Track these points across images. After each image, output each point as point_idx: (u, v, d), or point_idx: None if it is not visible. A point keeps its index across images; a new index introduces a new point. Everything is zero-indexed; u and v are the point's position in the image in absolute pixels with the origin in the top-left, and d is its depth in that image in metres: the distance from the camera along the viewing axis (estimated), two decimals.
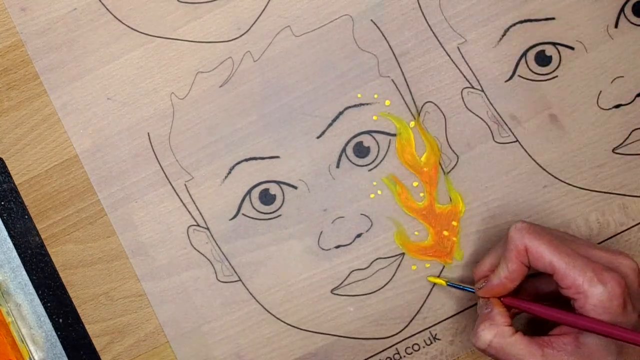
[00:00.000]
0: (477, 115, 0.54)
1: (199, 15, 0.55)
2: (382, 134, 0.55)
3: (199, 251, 0.55)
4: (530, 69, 0.54)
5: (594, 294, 0.45)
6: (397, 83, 0.55)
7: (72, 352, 0.56)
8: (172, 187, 0.55)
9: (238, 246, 0.55)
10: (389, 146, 0.55)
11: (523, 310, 0.49)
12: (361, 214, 0.55)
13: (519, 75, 0.54)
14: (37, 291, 0.55)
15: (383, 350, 0.55)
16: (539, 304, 0.49)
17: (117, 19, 0.55)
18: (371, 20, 0.55)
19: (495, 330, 0.48)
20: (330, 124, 0.55)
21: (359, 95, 0.55)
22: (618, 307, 0.45)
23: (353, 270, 0.55)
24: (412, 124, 0.55)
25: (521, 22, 0.54)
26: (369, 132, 0.55)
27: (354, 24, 0.55)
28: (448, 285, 0.54)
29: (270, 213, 0.55)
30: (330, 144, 0.55)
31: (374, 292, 0.55)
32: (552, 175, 0.54)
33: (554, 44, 0.54)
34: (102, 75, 0.55)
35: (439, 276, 0.55)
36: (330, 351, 0.55)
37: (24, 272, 0.55)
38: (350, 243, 0.55)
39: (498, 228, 0.55)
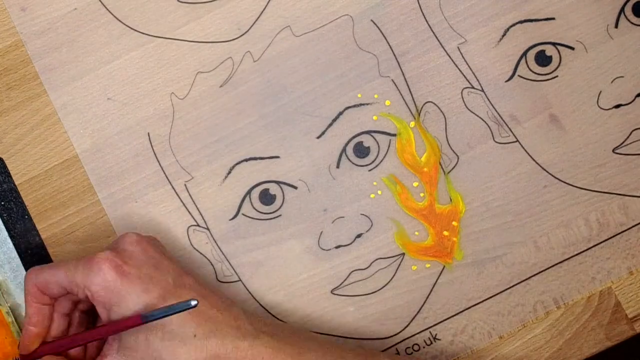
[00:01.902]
0: (477, 115, 0.54)
1: (199, 15, 0.55)
2: (382, 134, 0.55)
3: (199, 251, 0.55)
4: (530, 69, 0.54)
5: (93, 280, 0.46)
6: (397, 83, 0.55)
7: None
8: (172, 187, 0.55)
9: (238, 246, 0.55)
10: (389, 146, 0.55)
11: (67, 348, 0.49)
12: (361, 214, 0.55)
13: (519, 75, 0.54)
14: None
15: (383, 351, 0.55)
16: (75, 335, 0.49)
17: (117, 19, 0.55)
18: (371, 20, 0.55)
19: None
20: (330, 124, 0.55)
21: (359, 95, 0.55)
22: (116, 279, 0.46)
23: (353, 271, 0.55)
24: (412, 124, 0.55)
25: (521, 22, 0.54)
26: (369, 132, 0.55)
27: (354, 24, 0.55)
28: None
29: (270, 213, 0.55)
30: (330, 144, 0.55)
31: (374, 292, 0.55)
32: (552, 175, 0.54)
33: (554, 44, 0.54)
34: (102, 75, 0.55)
35: (439, 275, 0.55)
36: None
37: (24, 272, 0.55)
38: (350, 243, 0.55)
39: (498, 228, 0.55)
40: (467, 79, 0.54)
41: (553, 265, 0.54)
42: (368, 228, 0.55)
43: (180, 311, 0.45)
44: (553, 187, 0.54)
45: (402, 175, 0.55)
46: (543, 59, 0.54)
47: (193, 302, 0.44)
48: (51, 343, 0.49)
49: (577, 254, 0.54)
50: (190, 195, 0.55)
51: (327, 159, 0.55)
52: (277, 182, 0.55)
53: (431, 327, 0.55)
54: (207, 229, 0.55)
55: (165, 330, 0.46)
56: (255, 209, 0.55)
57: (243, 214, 0.55)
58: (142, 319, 0.45)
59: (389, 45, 0.55)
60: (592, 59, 0.54)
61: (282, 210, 0.55)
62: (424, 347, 0.55)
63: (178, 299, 0.46)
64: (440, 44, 0.54)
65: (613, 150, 0.54)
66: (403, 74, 0.55)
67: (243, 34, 0.55)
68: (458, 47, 0.54)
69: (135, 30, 0.55)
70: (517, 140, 0.54)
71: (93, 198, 0.55)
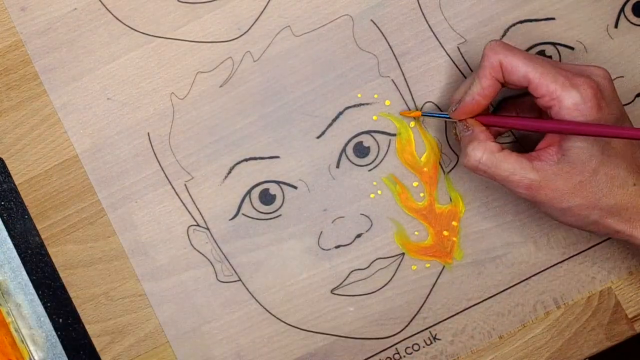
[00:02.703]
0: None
1: (199, 15, 0.55)
2: (382, 134, 0.55)
3: (199, 251, 0.55)
4: None
5: (568, 97, 0.46)
6: (397, 83, 0.55)
7: (72, 352, 0.56)
8: (172, 187, 0.55)
9: (238, 246, 0.55)
10: (389, 146, 0.55)
11: (502, 126, 0.50)
12: (361, 214, 0.55)
13: None
14: (37, 291, 0.55)
15: (383, 350, 0.55)
16: (515, 116, 0.49)
17: (117, 19, 0.55)
18: (371, 20, 0.55)
19: (484, 147, 0.48)
20: (330, 124, 0.55)
21: (359, 95, 0.55)
22: (592, 108, 0.46)
23: (353, 270, 0.55)
24: (412, 124, 0.55)
25: (521, 22, 0.54)
26: (369, 132, 0.55)
27: (354, 24, 0.55)
28: (423, 115, 0.53)
29: (270, 213, 0.55)
30: (330, 144, 0.55)
31: (374, 292, 0.55)
32: None
33: (554, 44, 0.54)
34: (102, 75, 0.55)
35: (439, 275, 0.55)
36: (330, 351, 0.55)
37: (24, 272, 0.55)
38: (350, 243, 0.55)
39: (498, 228, 0.55)
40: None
41: (553, 265, 0.54)
42: (368, 228, 0.55)
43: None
44: None
45: (402, 175, 0.55)
46: None
47: None
48: (487, 115, 0.50)
49: (577, 254, 0.55)
50: (190, 195, 0.55)
51: (327, 159, 0.55)
52: (277, 182, 0.55)
53: (431, 327, 0.55)
54: (207, 229, 0.55)
55: (612, 163, 0.47)
56: (255, 209, 0.55)
57: (243, 214, 0.55)
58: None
59: (389, 45, 0.55)
60: (592, 59, 0.54)
61: (282, 210, 0.55)
62: (424, 347, 0.55)
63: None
64: (440, 44, 0.54)
65: None
66: (403, 74, 0.55)
67: (243, 34, 0.55)
68: (458, 47, 0.54)
69: (135, 30, 0.55)
70: (517, 141, 0.54)
71: (93, 198, 0.55)
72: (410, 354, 0.55)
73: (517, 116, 0.50)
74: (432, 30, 0.54)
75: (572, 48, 0.54)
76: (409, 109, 0.54)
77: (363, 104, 0.55)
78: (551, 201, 0.47)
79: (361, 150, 0.55)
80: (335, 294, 0.55)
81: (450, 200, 0.55)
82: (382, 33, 0.55)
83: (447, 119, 0.52)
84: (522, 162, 0.47)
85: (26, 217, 0.55)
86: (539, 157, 0.48)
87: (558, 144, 0.47)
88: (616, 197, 0.47)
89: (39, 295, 0.55)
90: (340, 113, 0.55)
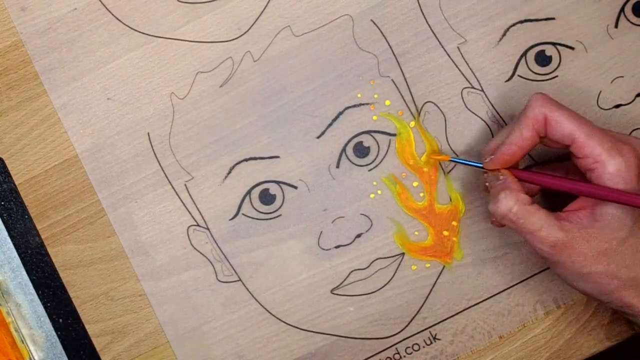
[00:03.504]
0: (477, 115, 0.54)
1: (199, 15, 0.55)
2: (382, 134, 0.55)
3: (199, 251, 0.55)
4: (530, 69, 0.54)
5: (612, 162, 0.46)
6: (397, 83, 0.55)
7: (72, 352, 0.56)
8: (172, 187, 0.55)
9: (238, 246, 0.55)
10: (389, 146, 0.55)
11: (537, 183, 0.49)
12: (361, 214, 0.55)
13: (519, 75, 0.54)
14: (37, 291, 0.55)
15: (383, 350, 0.55)
16: (552, 175, 0.48)
17: (117, 19, 0.55)
18: (371, 20, 0.55)
19: (517, 197, 0.47)
20: (330, 124, 0.55)
21: (359, 95, 0.55)
22: (634, 177, 0.46)
23: (353, 270, 0.55)
24: (412, 124, 0.55)
25: (521, 22, 0.54)
26: (369, 132, 0.55)
27: (354, 24, 0.55)
28: (452, 160, 0.53)
29: (270, 213, 0.55)
30: (330, 144, 0.55)
31: (374, 292, 0.55)
32: None
33: (554, 44, 0.54)
34: (102, 75, 0.55)
35: (439, 275, 0.55)
36: (330, 351, 0.55)
37: (24, 272, 0.55)
38: (350, 243, 0.55)
39: (498, 228, 0.54)
40: (467, 79, 0.54)
41: None
42: (368, 228, 0.55)
43: None
44: None
45: (402, 175, 0.55)
46: (543, 59, 0.54)
47: None
48: (522, 170, 0.49)
49: None
50: (190, 195, 0.55)
51: (327, 159, 0.55)
52: (277, 182, 0.55)
53: (431, 327, 0.55)
54: (207, 229, 0.55)
55: None
56: (255, 209, 0.55)
57: (243, 214, 0.55)
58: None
59: (389, 45, 0.55)
60: (592, 59, 0.54)
61: (282, 210, 0.55)
62: (423, 347, 0.55)
63: None
64: (440, 44, 0.54)
65: None
66: (403, 74, 0.55)
67: (243, 34, 0.55)
68: (458, 47, 0.54)
69: (135, 30, 0.55)
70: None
71: (93, 198, 0.55)
72: (410, 354, 0.55)
73: (552, 174, 0.49)
74: (432, 30, 0.54)
75: (572, 48, 0.54)
76: (411, 112, 0.54)
77: (363, 104, 0.55)
78: (573, 264, 0.47)
79: (361, 150, 0.55)
80: (335, 294, 0.55)
81: (450, 200, 0.55)
82: (382, 33, 0.55)
83: (479, 168, 0.51)
84: (550, 220, 0.47)
85: (26, 217, 0.55)
86: (569, 218, 0.47)
87: (591, 208, 0.47)
88: (637, 270, 0.46)
89: (39, 295, 0.55)
90: (340, 113, 0.55)
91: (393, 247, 0.55)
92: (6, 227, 0.55)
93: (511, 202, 0.47)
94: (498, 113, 0.54)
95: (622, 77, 0.54)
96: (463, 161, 0.52)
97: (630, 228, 0.46)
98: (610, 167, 0.46)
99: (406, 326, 0.55)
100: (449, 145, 0.54)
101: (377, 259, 0.55)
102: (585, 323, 0.55)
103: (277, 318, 0.55)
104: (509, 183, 0.48)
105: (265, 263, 0.55)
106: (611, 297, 0.47)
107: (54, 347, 0.56)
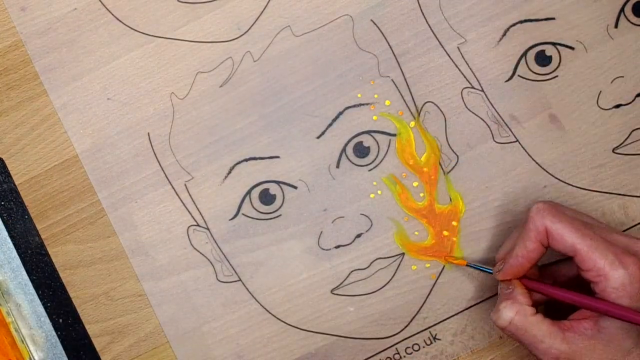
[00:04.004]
0: (477, 115, 0.55)
1: (199, 15, 0.55)
2: (382, 134, 0.55)
3: (199, 251, 0.55)
4: (530, 69, 0.54)
5: (615, 276, 0.45)
6: (397, 83, 0.55)
7: (72, 352, 0.56)
8: (172, 187, 0.55)
9: (238, 246, 0.55)
10: (389, 146, 0.55)
11: (543, 294, 0.49)
12: (361, 214, 0.55)
13: (519, 75, 0.54)
14: (37, 291, 0.55)
15: (383, 350, 0.55)
16: (559, 287, 0.48)
17: (117, 19, 0.55)
18: (371, 20, 0.55)
19: (517, 309, 0.47)
20: (330, 124, 0.55)
21: (359, 95, 0.55)
22: (639, 290, 0.45)
23: (353, 270, 0.55)
24: (412, 124, 0.55)
25: (521, 22, 0.54)
26: (369, 132, 0.55)
27: (354, 24, 0.55)
28: (467, 266, 0.53)
29: (270, 213, 0.55)
30: (330, 144, 0.55)
31: (374, 292, 0.55)
32: (552, 175, 0.54)
33: (554, 44, 0.54)
34: (102, 75, 0.55)
35: (439, 276, 0.55)
36: (330, 351, 0.55)
37: (24, 272, 0.55)
38: (350, 243, 0.55)
39: (498, 228, 0.55)
40: (467, 79, 0.54)
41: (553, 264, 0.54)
42: (368, 228, 0.55)
43: None
44: (553, 187, 0.54)
45: (402, 175, 0.55)
46: (543, 59, 0.54)
47: None
48: (532, 280, 0.49)
49: None
50: (190, 195, 0.55)
51: (327, 159, 0.55)
52: (277, 182, 0.55)
53: (431, 327, 0.55)
54: (207, 229, 0.55)
55: None
56: (255, 209, 0.55)
57: (243, 214, 0.55)
58: None
59: (389, 45, 0.55)
60: (592, 59, 0.54)
61: (282, 210, 0.55)
62: (423, 347, 0.55)
63: None
64: (440, 44, 0.54)
65: (613, 150, 0.54)
66: (403, 74, 0.55)
67: (243, 34, 0.55)
68: (458, 47, 0.54)
69: (135, 30, 0.55)
70: (517, 140, 0.54)
71: (93, 198, 0.55)
72: (410, 354, 0.55)
73: (561, 287, 0.49)
74: (432, 30, 0.54)
75: (572, 48, 0.54)
76: (411, 112, 0.54)
77: (363, 104, 0.55)
78: None
79: (361, 150, 0.55)
80: (335, 294, 0.55)
81: (450, 200, 0.55)
82: (382, 33, 0.55)
83: (490, 274, 0.52)
84: (553, 331, 0.46)
85: (26, 217, 0.55)
86: (572, 328, 0.47)
87: (594, 320, 0.46)
88: None
89: (39, 295, 0.55)
90: (340, 113, 0.55)
91: (393, 247, 0.55)
92: (6, 227, 0.55)
93: (511, 313, 0.47)
94: (498, 113, 0.54)
95: (622, 77, 0.54)
96: (478, 267, 0.53)
97: (636, 339, 0.46)
98: (613, 281, 0.45)
99: (406, 326, 0.55)
100: (448, 145, 0.54)
101: (377, 259, 0.55)
102: None
103: (277, 318, 0.55)
104: (514, 294, 0.48)
105: (265, 263, 0.55)
106: None
107: (54, 347, 0.56)
